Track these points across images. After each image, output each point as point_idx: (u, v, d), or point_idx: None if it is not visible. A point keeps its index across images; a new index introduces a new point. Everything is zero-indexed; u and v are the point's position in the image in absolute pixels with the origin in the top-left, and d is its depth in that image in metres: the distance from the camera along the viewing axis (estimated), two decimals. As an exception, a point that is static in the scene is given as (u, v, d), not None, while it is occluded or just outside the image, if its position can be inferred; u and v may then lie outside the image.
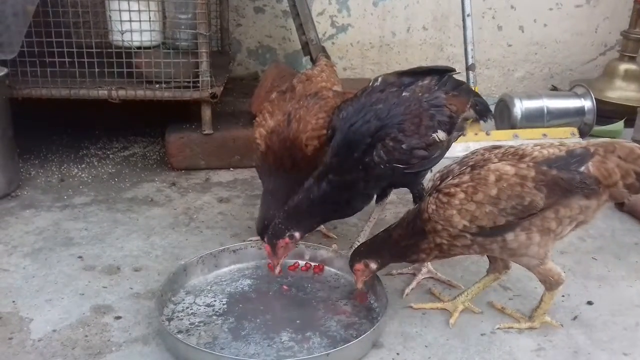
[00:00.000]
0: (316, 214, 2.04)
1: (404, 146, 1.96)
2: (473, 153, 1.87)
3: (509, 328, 1.92)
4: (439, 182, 1.83)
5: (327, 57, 2.77)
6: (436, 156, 2.05)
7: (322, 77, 2.42)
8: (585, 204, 1.72)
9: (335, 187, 1.98)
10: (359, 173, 1.97)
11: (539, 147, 1.77)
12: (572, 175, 1.69)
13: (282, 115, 2.22)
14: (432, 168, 2.08)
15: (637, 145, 1.75)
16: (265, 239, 2.03)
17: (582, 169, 1.70)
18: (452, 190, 1.74)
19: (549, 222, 1.72)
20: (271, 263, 2.04)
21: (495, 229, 1.72)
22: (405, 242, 1.84)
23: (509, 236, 1.73)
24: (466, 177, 1.75)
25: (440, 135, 2.01)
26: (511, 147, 1.83)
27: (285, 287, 2.09)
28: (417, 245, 1.82)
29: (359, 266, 1.92)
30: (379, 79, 2.11)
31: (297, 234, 2.01)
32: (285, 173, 2.16)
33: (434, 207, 1.76)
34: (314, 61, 2.71)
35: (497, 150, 1.83)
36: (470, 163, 1.81)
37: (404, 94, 2.03)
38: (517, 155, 1.77)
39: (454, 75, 2.18)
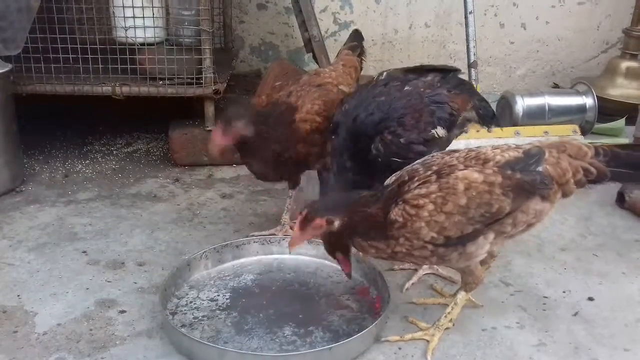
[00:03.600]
0: None
1: (402, 140, 1.97)
2: (432, 155, 1.82)
3: (397, 340, 1.84)
4: (406, 185, 1.72)
5: (353, 48, 2.62)
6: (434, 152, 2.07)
7: (332, 75, 2.42)
8: (540, 207, 1.73)
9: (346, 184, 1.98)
10: (364, 167, 1.98)
11: (498, 150, 1.76)
12: (534, 176, 1.70)
13: (282, 90, 2.27)
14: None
15: (584, 143, 1.80)
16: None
17: (540, 168, 1.72)
18: (421, 201, 1.66)
19: (505, 226, 1.72)
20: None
21: (461, 238, 1.69)
22: (368, 242, 1.76)
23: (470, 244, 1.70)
24: (434, 187, 1.67)
25: (440, 131, 2.02)
26: (471, 150, 1.79)
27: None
28: (375, 245, 1.75)
29: (320, 222, 1.74)
30: (384, 74, 2.13)
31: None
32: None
33: (401, 220, 1.67)
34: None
35: (457, 154, 1.78)
36: (435, 167, 1.73)
37: (406, 88, 2.05)
38: (479, 160, 1.73)
39: (459, 75, 2.19)
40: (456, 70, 2.19)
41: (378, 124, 1.97)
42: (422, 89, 2.05)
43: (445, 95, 2.07)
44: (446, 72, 2.15)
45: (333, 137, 2.07)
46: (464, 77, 2.27)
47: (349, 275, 1.91)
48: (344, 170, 1.99)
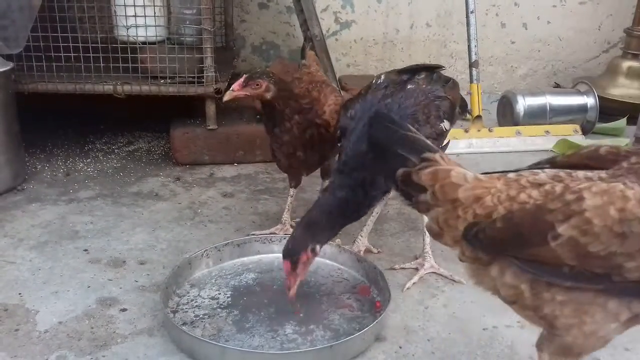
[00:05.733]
0: (336, 223, 1.94)
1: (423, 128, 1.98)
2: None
3: None
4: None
5: (312, 48, 2.83)
6: (443, 146, 2.11)
7: (321, 73, 2.57)
8: None
9: (353, 189, 1.91)
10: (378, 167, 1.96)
11: None
12: None
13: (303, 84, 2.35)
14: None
15: None
16: (284, 255, 1.84)
17: None
18: None
19: None
20: (288, 282, 1.85)
21: None
22: None
23: None
24: None
25: (446, 125, 2.06)
26: None
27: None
28: None
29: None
30: (382, 77, 2.15)
31: (318, 247, 1.88)
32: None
33: None
34: (303, 55, 2.72)
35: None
36: None
37: (408, 86, 2.06)
38: None
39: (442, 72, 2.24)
40: (441, 67, 2.23)
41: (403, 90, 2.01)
42: (423, 86, 2.08)
43: (442, 90, 2.10)
44: (432, 70, 2.19)
45: (340, 144, 2.04)
46: (464, 74, 2.29)
47: None
48: (355, 171, 1.94)
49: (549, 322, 1.33)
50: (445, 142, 2.15)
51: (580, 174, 1.33)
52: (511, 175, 1.41)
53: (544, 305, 1.31)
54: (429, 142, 1.48)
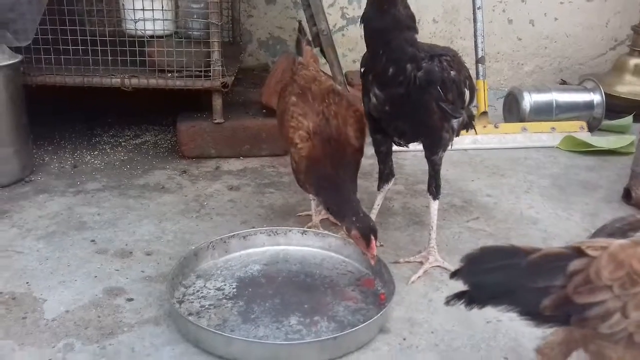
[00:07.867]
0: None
1: (452, 73, 1.99)
2: None
3: None
4: None
5: (310, 43, 2.64)
6: (459, 118, 2.09)
7: (321, 74, 2.41)
8: None
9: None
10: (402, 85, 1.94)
11: None
12: None
13: (316, 115, 2.14)
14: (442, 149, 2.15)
15: None
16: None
17: None
18: None
19: None
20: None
21: None
22: None
23: None
24: None
25: (467, 94, 2.07)
26: None
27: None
28: None
29: None
30: None
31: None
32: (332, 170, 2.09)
33: None
34: (299, 50, 2.57)
35: None
36: None
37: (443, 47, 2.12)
38: None
39: None
40: None
41: (433, 47, 2.01)
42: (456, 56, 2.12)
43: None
44: None
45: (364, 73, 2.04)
46: (470, 71, 2.30)
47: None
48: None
49: None
50: (461, 115, 2.11)
51: None
52: None
53: None
54: (562, 248, 1.23)
